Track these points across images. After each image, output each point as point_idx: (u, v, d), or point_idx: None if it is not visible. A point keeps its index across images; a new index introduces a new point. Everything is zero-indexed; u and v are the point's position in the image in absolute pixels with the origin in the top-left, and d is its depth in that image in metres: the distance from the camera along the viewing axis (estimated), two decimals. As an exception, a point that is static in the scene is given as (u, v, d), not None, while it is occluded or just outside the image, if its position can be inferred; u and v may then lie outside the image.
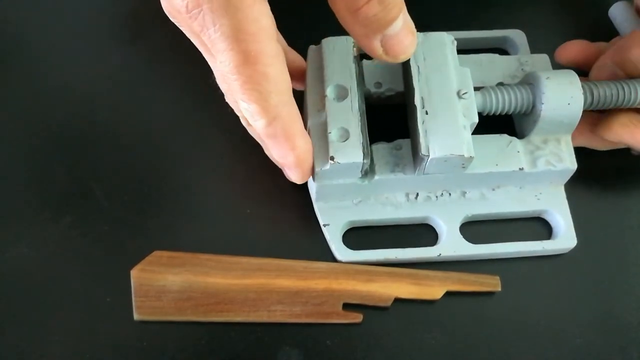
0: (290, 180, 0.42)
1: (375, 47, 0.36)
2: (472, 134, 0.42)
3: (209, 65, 0.38)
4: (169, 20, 0.37)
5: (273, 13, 0.36)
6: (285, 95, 0.37)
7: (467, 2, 0.55)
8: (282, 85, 0.36)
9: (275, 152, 0.39)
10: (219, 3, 0.33)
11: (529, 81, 0.44)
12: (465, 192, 0.46)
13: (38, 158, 0.46)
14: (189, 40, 0.37)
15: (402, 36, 0.36)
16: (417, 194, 0.46)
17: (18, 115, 0.49)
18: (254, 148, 0.48)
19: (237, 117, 0.42)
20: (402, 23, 0.35)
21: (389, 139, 0.44)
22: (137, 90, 0.51)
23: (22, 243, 0.45)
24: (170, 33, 0.51)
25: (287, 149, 0.38)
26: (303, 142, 0.39)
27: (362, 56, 0.47)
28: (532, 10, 0.54)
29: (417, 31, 0.44)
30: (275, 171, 0.47)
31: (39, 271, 0.43)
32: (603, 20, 0.53)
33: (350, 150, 0.40)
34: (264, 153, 0.44)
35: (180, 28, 0.37)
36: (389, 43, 0.36)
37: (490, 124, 0.45)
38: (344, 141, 0.41)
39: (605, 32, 0.51)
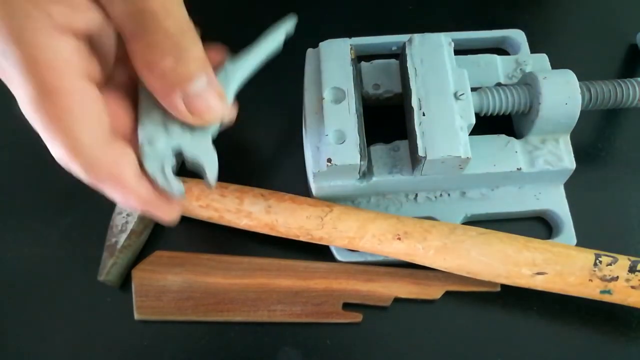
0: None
1: (178, 104, 0.33)
2: (470, 134, 0.42)
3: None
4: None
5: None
6: (102, 137, 0.33)
7: (466, 2, 0.55)
8: (95, 124, 0.32)
9: (117, 198, 0.35)
10: (10, 29, 0.30)
11: (526, 81, 0.44)
12: (465, 192, 0.46)
13: (38, 158, 0.46)
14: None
15: (207, 96, 0.34)
16: (417, 195, 0.46)
17: (18, 115, 0.49)
18: (253, 148, 0.48)
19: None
20: (206, 83, 0.33)
21: (386, 140, 0.45)
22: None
23: (23, 243, 0.45)
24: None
25: (125, 196, 0.34)
26: (141, 187, 0.35)
27: (360, 58, 0.47)
28: (532, 10, 0.54)
29: (417, 32, 0.44)
30: (275, 171, 0.48)
31: (39, 271, 0.44)
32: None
33: (347, 152, 0.41)
34: (262, 154, 0.45)
35: None
36: (193, 102, 0.33)
37: (488, 124, 0.45)
38: (341, 143, 0.41)
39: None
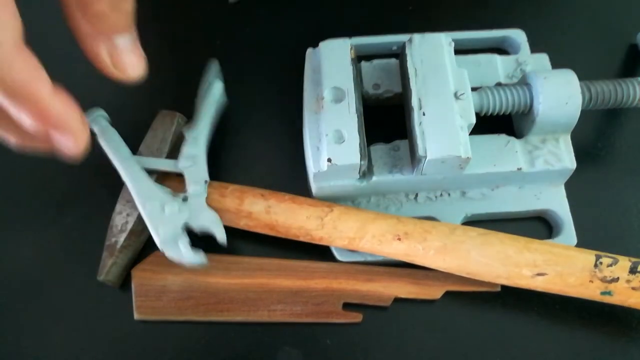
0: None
1: (103, 54, 0.32)
2: (470, 134, 0.42)
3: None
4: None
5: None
6: (18, 39, 0.29)
7: (466, 2, 0.55)
8: (12, 22, 0.28)
9: (26, 115, 0.30)
10: None
11: (526, 81, 0.44)
12: (465, 192, 0.46)
13: (38, 158, 0.46)
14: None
15: (132, 53, 0.33)
16: (417, 194, 0.46)
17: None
18: (253, 148, 0.48)
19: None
20: (133, 42, 0.33)
21: (387, 140, 0.45)
22: (138, 91, 0.50)
23: (23, 243, 0.45)
24: (170, 34, 0.52)
25: (37, 112, 0.30)
26: (56, 103, 0.31)
27: (360, 58, 0.47)
28: (532, 10, 0.54)
29: (417, 32, 0.44)
30: (275, 171, 0.47)
31: (39, 271, 0.44)
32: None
33: (347, 151, 0.41)
34: (262, 154, 0.44)
35: None
36: (119, 56, 0.32)
37: (489, 124, 0.45)
38: (341, 143, 0.41)
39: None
